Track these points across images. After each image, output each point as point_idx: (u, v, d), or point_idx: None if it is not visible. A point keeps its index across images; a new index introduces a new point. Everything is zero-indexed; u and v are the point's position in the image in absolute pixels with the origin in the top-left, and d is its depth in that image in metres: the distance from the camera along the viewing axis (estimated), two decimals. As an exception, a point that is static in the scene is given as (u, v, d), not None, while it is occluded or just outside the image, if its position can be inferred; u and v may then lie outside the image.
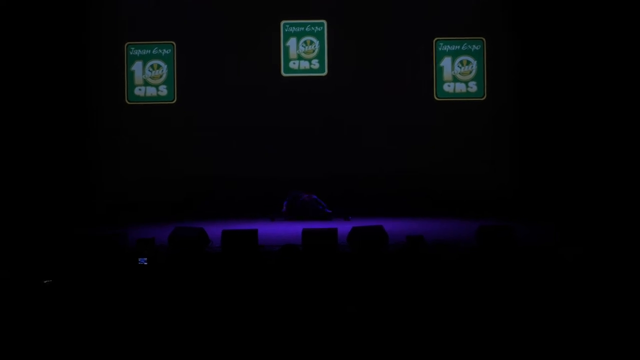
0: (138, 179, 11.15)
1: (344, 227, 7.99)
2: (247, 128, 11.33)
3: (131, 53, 11.17)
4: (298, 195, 10.33)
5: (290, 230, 8.89)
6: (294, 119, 11.17)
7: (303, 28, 11.19)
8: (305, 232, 6.73)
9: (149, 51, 11.19)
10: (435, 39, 11.10)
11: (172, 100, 11.32)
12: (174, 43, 11.22)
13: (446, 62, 11.05)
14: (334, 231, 6.75)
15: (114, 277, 4.82)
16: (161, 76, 11.25)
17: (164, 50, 11.23)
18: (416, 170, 11.00)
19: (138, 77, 11.19)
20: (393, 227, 8.34)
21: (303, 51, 11.23)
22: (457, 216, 10.20)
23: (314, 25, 11.17)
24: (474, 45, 11.08)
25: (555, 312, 3.73)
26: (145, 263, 5.40)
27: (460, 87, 11.08)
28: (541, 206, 10.35)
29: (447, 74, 11.09)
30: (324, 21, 11.10)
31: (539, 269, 4.82)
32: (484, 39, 11.09)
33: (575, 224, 8.81)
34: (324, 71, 11.24)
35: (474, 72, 11.06)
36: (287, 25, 11.21)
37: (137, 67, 11.14)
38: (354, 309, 3.74)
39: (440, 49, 11.10)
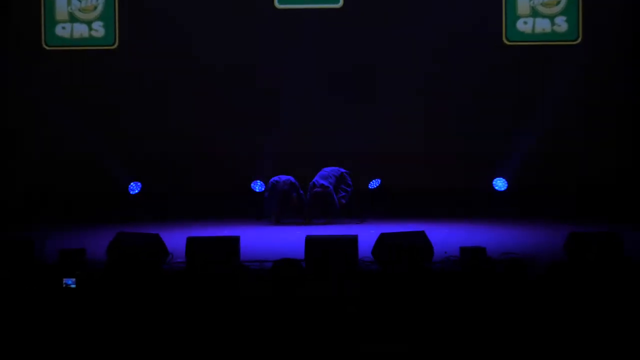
0: (59, 158, 11.18)
1: (365, 234, 7.92)
2: (225, 87, 11.38)
3: (51, -26, 11.10)
4: (289, 184, 10.36)
5: (287, 237, 8.96)
6: (292, 76, 11.14)
7: None
8: (311, 241, 6.65)
9: (78, -30, 11.11)
10: (506, -47, 10.99)
11: (112, 45, 11.27)
12: (114, -42, 11.15)
13: (522, -12, 10.95)
14: (352, 240, 6.67)
15: (21, 306, 4.76)
16: (95, 8, 11.14)
17: (100, -31, 11.14)
18: (469, 149, 11.23)
19: (61, 10, 11.09)
20: (436, 233, 8.36)
21: (307, -29, 11.14)
22: (533, 216, 10.36)
23: None
24: (563, -37, 10.94)
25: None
26: (74, 286, 5.34)
27: (542, 25, 10.94)
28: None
29: (522, 5, 10.93)
30: None
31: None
32: (579, -47, 10.95)
33: None
34: (338, 1, 11.14)
35: (562, 2, 10.91)
36: None
37: (59, -6, 11.09)
38: (354, 309, 3.80)
39: (513, -32, 10.99)
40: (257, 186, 12.34)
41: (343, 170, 10.54)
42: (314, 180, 10.35)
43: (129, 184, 12.01)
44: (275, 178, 10.38)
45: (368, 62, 11.15)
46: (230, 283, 6.01)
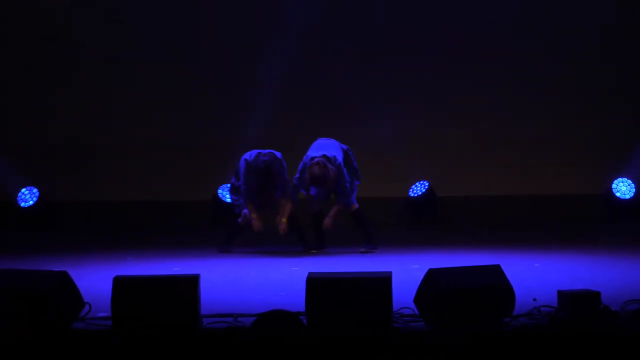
0: None
1: (402, 269, 7.98)
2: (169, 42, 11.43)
3: None
4: (273, 158, 10.48)
5: (276, 274, 9.01)
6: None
7: None
8: (315, 283, 6.66)
9: None
10: None
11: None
12: None
13: None
14: (382, 280, 6.66)
15: None
16: None
17: None
18: (572, 136, 12.00)
19: None
20: (518, 268, 8.48)
21: None
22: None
23: None
24: None
25: None
26: None
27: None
28: None
29: None
30: None
31: None
32: None
33: None
34: None
35: None
36: None
37: None
38: None
39: None
40: (228, 193, 12.36)
41: (345, 146, 10.53)
42: (307, 154, 10.41)
43: (19, 190, 12.05)
44: (253, 152, 10.44)
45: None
46: (183, 354, 5.98)
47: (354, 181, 10.45)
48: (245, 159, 10.32)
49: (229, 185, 10.85)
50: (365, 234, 10.50)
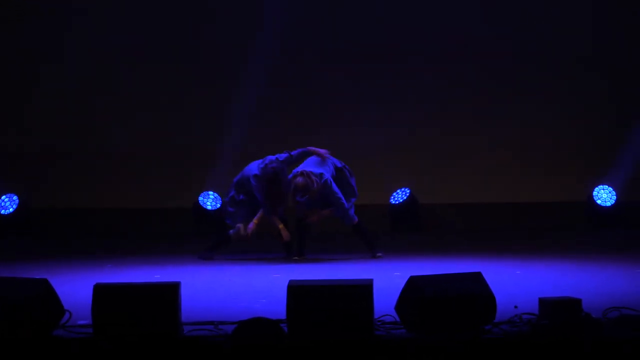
0: None
1: (383, 277, 8.00)
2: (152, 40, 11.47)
3: None
4: (274, 173, 10.42)
5: (257, 282, 9.01)
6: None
7: None
8: (296, 291, 6.66)
9: None
10: None
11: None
12: None
13: None
14: (364, 287, 6.67)
15: None
16: None
17: None
18: (554, 142, 11.30)
19: None
20: (499, 275, 8.48)
21: None
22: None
23: None
24: None
25: None
26: None
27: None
28: None
29: None
30: None
31: None
32: None
33: None
34: None
35: None
36: None
37: None
38: None
39: None
40: (209, 201, 12.39)
41: (340, 163, 10.56)
42: (294, 171, 10.40)
43: (-1, 197, 12.04)
44: (259, 165, 10.39)
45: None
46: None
47: (350, 197, 10.53)
48: (255, 175, 10.23)
49: (225, 198, 10.79)
50: (367, 244, 10.67)
